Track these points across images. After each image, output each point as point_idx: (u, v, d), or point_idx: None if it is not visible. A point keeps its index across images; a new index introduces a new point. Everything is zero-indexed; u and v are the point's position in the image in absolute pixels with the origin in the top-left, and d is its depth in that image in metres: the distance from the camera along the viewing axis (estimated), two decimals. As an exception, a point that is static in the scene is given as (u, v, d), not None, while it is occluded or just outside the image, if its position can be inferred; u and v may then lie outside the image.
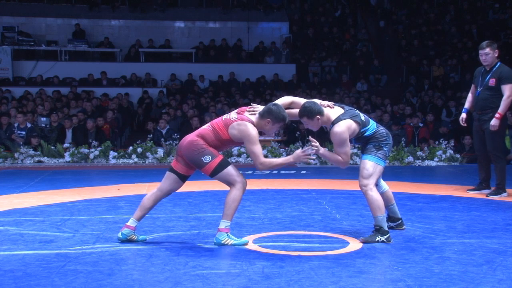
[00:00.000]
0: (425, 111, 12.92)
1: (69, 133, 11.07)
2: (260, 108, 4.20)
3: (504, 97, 6.14)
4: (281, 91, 14.35)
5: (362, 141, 4.42)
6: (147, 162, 10.14)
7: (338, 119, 4.23)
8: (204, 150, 4.03)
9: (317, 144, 4.20)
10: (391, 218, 4.66)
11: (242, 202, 5.92)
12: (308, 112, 4.20)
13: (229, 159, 7.71)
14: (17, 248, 4.07)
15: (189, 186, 7.13)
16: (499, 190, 6.39)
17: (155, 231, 4.59)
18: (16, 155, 10.07)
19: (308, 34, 17.07)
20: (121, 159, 10.18)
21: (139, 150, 10.20)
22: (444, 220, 5.04)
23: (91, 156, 10.19)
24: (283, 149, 10.45)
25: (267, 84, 15.19)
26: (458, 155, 10.36)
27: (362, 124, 4.32)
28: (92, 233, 4.54)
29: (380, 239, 4.22)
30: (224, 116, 4.17)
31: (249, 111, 4.17)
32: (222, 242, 4.03)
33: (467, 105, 6.64)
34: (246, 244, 4.07)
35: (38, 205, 5.81)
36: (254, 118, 4.11)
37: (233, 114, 4.14)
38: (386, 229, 4.28)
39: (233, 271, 3.50)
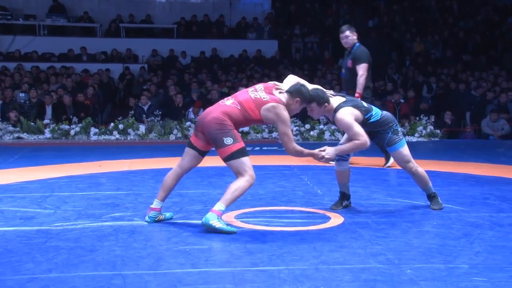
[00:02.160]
0: (406, 87, 12.97)
1: (49, 110, 10.95)
2: (282, 86, 4.11)
3: (358, 76, 6.41)
4: (263, 67, 14.30)
5: (370, 128, 4.39)
6: (128, 138, 10.08)
7: (340, 107, 4.27)
8: (228, 131, 3.83)
9: (325, 150, 4.18)
10: (345, 196, 4.65)
11: (224, 178, 5.97)
12: (321, 98, 4.19)
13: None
14: (-2, 225, 4.04)
15: (172, 163, 7.11)
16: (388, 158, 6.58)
17: (137, 207, 4.58)
18: (-6, 131, 9.95)
19: (290, 10, 16.94)
20: (102, 135, 10.11)
21: (121, 126, 10.13)
22: (423, 195, 5.09)
23: (72, 132, 10.10)
24: (265, 125, 10.45)
25: (250, 60, 15.10)
26: (438, 131, 10.47)
27: (366, 110, 4.36)
28: (74, 209, 4.51)
29: (440, 201, 4.60)
30: (253, 95, 3.97)
31: (277, 89, 4.05)
32: (211, 222, 3.78)
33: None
34: (234, 233, 3.83)
35: (18, 181, 5.76)
36: (283, 97, 4.00)
37: (262, 93, 3.97)
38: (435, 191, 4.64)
39: (216, 246, 3.51)
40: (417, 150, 9.03)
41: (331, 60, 15.35)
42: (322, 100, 4.20)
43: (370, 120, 4.37)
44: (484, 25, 16.37)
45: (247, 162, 3.88)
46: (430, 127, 10.45)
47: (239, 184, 3.85)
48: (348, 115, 4.24)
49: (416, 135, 10.35)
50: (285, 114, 3.93)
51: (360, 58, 6.45)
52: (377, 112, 4.42)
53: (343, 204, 4.63)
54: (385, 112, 4.50)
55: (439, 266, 3.13)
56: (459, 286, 2.83)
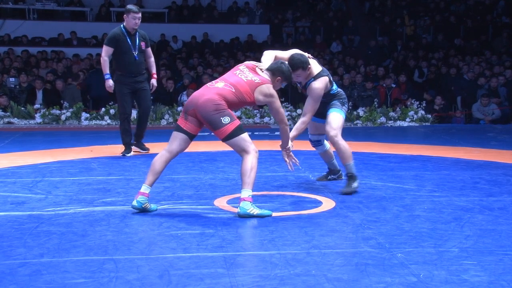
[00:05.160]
0: (399, 72, 12.92)
1: (39, 94, 10.86)
2: (262, 65, 4.17)
3: (152, 58, 6.70)
4: (255, 52, 14.22)
5: (328, 98, 4.64)
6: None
7: (320, 75, 4.47)
8: (224, 111, 3.85)
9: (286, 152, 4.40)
10: (332, 171, 4.99)
11: (215, 163, 5.96)
12: (303, 63, 4.37)
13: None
14: (-12, 210, 4.01)
15: (163, 147, 7.08)
16: (127, 150, 6.55)
17: (129, 192, 4.57)
18: (-16, 116, 9.88)
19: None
20: (93, 120, 10.05)
21: (112, 111, 10.06)
22: (414, 179, 5.12)
23: (63, 117, 10.03)
24: (256, 111, 10.44)
25: (241, 45, 15.01)
26: (429, 116, 10.49)
27: (332, 82, 4.62)
28: (65, 194, 4.50)
29: (355, 185, 4.55)
30: (243, 77, 3.99)
31: (260, 69, 4.11)
32: (248, 211, 3.80)
33: (109, 70, 6.45)
34: (270, 215, 3.87)
35: (9, 166, 5.72)
36: (266, 75, 4.08)
37: (250, 74, 4.01)
38: (356, 174, 4.59)
39: (207, 231, 3.51)
40: (408, 135, 9.07)
41: (322, 44, 15.29)
42: (306, 64, 4.38)
43: (331, 92, 4.61)
44: (475, 9, 16.34)
45: (247, 137, 3.92)
46: (421, 112, 10.47)
47: (250, 163, 3.86)
48: (323, 87, 4.48)
49: (407, 119, 10.37)
50: (274, 92, 4.06)
51: (149, 40, 6.66)
52: (335, 86, 4.69)
53: (328, 178, 5.00)
54: (341, 89, 4.78)
55: (429, 250, 3.15)
56: (449, 270, 2.85)
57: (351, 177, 4.56)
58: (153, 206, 4.01)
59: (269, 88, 4.00)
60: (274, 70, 4.09)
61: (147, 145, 6.84)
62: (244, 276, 2.76)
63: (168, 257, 3.03)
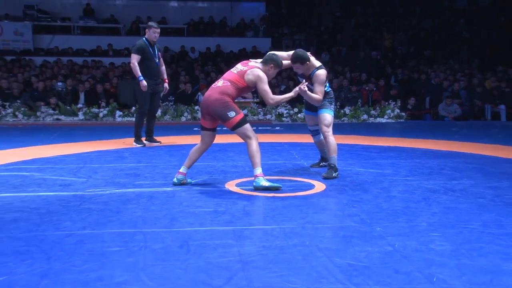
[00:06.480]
0: (378, 77, 12.84)
1: (82, 96, 10.86)
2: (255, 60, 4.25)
3: (164, 66, 6.68)
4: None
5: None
6: (148, 120, 10.00)
7: (321, 67, 4.51)
8: (230, 106, 4.01)
9: (306, 86, 4.36)
10: (324, 159, 4.97)
11: (226, 153, 5.96)
12: (302, 58, 4.38)
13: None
14: (41, 190, 4.02)
15: (183, 140, 7.09)
16: (137, 140, 6.50)
17: (155, 177, 4.57)
18: (38, 113, 9.89)
19: (282, 12, 16.73)
20: (125, 117, 10.05)
21: (141, 110, 10.04)
22: (391, 166, 5.10)
23: (101, 115, 10.04)
24: (260, 109, 10.41)
25: (248, 55, 14.94)
26: (403, 113, 10.44)
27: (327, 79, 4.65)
28: (103, 178, 4.50)
29: (335, 174, 4.50)
30: (235, 71, 4.12)
31: (251, 61, 4.19)
32: (261, 184, 3.97)
33: (140, 73, 6.32)
34: (279, 188, 3.99)
35: (57, 155, 5.73)
36: (259, 65, 4.14)
37: (241, 67, 4.13)
38: (337, 167, 4.58)
39: (220, 209, 3.51)
40: (386, 130, 9.03)
41: (315, 54, 15.16)
42: (304, 60, 4.38)
43: (325, 90, 4.60)
44: (441, 26, 16.21)
45: (249, 127, 4.08)
46: (397, 110, 10.42)
47: (253, 148, 4.03)
48: (325, 74, 4.50)
49: (385, 117, 10.32)
50: (262, 74, 4.08)
51: (162, 52, 6.73)
52: (328, 86, 4.68)
53: (320, 164, 4.99)
54: (330, 89, 4.73)
55: (403, 225, 3.14)
56: (419, 240, 2.84)
57: (333, 168, 4.55)
58: (189, 180, 4.25)
59: (257, 71, 4.06)
60: (266, 60, 4.16)
61: (170, 138, 6.83)
62: (250, 246, 2.76)
63: (187, 230, 3.03)
